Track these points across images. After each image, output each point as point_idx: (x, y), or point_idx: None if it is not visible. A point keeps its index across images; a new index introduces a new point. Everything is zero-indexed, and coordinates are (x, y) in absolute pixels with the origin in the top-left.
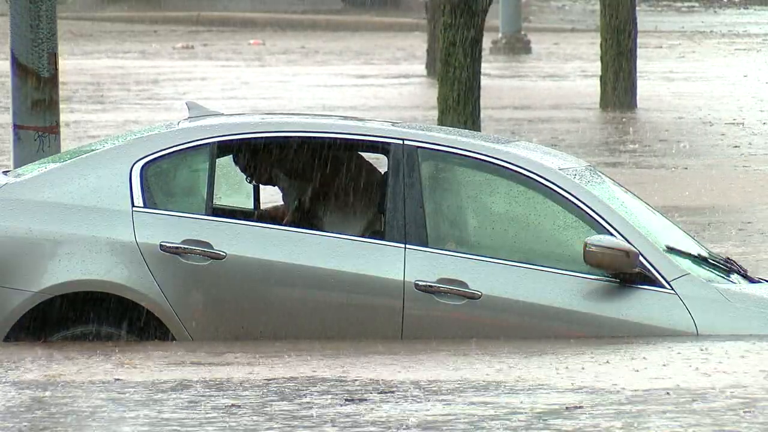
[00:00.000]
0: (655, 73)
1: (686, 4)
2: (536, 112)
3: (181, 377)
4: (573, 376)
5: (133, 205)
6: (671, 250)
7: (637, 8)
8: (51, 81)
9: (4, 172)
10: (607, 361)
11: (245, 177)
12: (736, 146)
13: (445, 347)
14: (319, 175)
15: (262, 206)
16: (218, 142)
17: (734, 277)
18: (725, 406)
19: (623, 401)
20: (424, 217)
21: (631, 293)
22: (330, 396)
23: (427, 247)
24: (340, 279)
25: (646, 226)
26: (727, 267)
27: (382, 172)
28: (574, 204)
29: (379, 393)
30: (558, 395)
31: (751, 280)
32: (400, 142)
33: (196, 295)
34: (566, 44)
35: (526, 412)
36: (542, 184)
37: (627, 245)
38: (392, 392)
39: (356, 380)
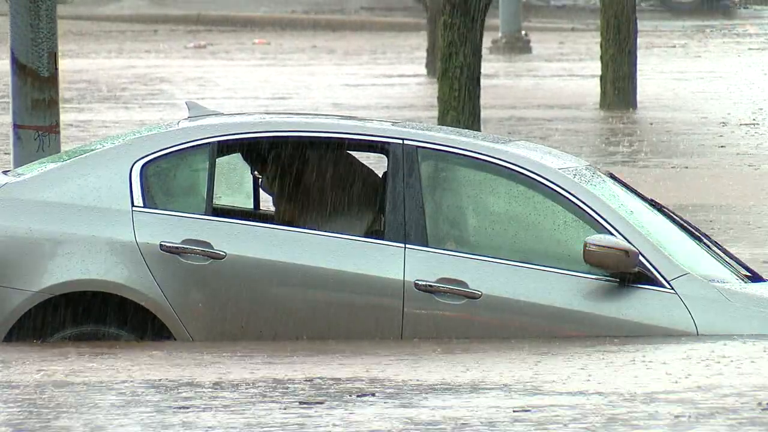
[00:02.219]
0: (666, 73)
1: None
2: (536, 112)
3: (179, 377)
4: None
5: (133, 205)
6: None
7: (637, 8)
8: (51, 80)
9: (4, 171)
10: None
11: (251, 170)
12: (722, 145)
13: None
14: (319, 175)
15: (263, 206)
16: (218, 141)
17: (736, 275)
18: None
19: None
20: (424, 217)
21: (631, 293)
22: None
23: (427, 246)
24: (340, 279)
25: (646, 226)
26: (729, 264)
27: (381, 174)
28: (574, 203)
29: (355, 395)
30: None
31: (753, 279)
32: (400, 142)
33: (196, 294)
34: (566, 44)
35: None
36: (542, 183)
37: (627, 245)
38: (372, 394)
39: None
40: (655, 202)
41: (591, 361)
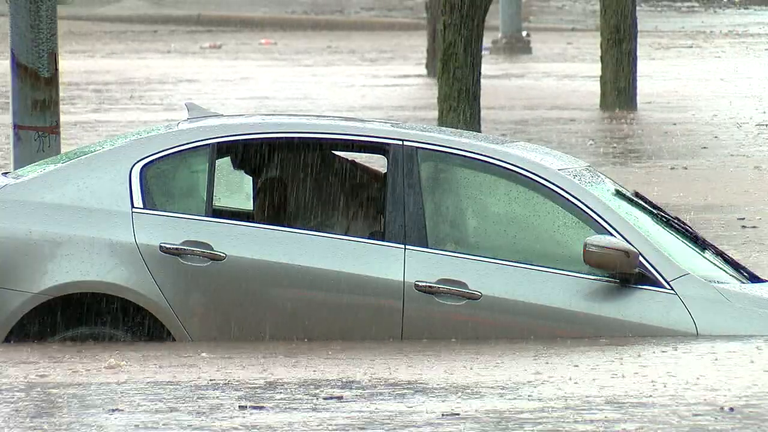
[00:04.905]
0: (668, 74)
1: (686, 4)
2: (536, 112)
3: (179, 378)
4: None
5: (132, 206)
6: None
7: (638, 8)
8: (51, 81)
9: (3, 173)
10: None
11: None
12: (704, 147)
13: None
14: (318, 176)
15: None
16: (218, 143)
17: (736, 275)
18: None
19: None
20: (424, 218)
21: (631, 293)
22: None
23: (426, 247)
24: (340, 279)
25: (645, 226)
26: (729, 265)
27: (382, 173)
28: (574, 204)
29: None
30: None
31: (753, 280)
32: (400, 142)
33: (195, 296)
34: (566, 44)
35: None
36: (542, 184)
37: (627, 245)
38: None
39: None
40: (653, 203)
41: (542, 365)
